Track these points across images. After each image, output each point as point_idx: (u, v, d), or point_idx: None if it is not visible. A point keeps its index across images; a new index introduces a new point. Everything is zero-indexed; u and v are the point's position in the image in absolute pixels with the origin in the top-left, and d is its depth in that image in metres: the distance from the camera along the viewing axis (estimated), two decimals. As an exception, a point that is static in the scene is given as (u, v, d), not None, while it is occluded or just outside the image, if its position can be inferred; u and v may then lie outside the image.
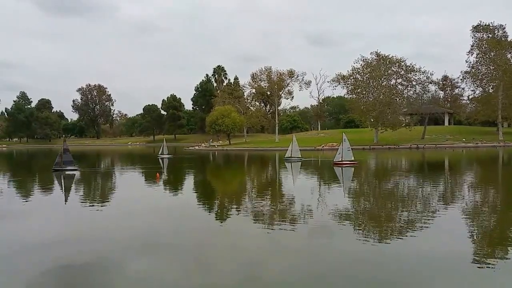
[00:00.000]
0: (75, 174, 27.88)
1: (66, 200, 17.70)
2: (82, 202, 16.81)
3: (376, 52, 68.95)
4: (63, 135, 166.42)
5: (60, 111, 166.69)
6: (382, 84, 69.10)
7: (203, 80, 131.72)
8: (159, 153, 49.44)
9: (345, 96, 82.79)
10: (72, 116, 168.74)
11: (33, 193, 20.56)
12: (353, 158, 31.17)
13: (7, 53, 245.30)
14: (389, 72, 68.82)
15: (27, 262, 8.34)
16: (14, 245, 9.64)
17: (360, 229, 11.07)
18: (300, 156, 38.97)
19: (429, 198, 16.67)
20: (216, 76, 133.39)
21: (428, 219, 11.96)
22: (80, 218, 13.29)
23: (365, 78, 70.05)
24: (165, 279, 7.32)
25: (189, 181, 26.67)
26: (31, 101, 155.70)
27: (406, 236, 10.11)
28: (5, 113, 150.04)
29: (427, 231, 10.49)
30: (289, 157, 38.82)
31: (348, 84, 72.01)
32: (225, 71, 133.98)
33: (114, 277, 7.47)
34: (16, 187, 23.11)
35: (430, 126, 73.82)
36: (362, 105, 70.93)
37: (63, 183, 24.00)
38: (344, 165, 30.43)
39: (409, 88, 70.15)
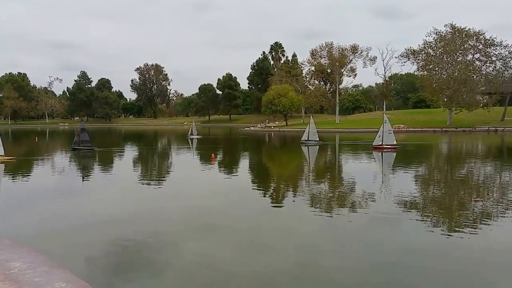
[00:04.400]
0: (91, 153, 30.33)
1: (83, 180, 19.00)
2: (139, 182, 18.06)
3: (451, 24, 64.71)
4: (122, 114, 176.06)
5: (119, 90, 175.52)
6: (458, 59, 64.92)
7: (259, 58, 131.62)
8: (188, 134, 51.71)
9: (415, 73, 79.01)
10: (130, 95, 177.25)
11: (92, 171, 22.25)
12: (395, 142, 30.14)
13: (68, 33, 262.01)
14: (465, 46, 64.37)
15: (86, 238, 9.16)
16: (73, 222, 10.61)
17: (427, 219, 10.82)
18: (318, 139, 38.26)
19: (507, 187, 15.76)
20: (273, 53, 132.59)
21: (506, 211, 11.37)
22: (137, 197, 14.33)
23: (438, 53, 66.16)
24: (220, 261, 7.76)
25: (243, 163, 27.26)
26: (91, 81, 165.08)
27: (480, 228, 9.75)
28: (67, 93, 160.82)
29: (504, 223, 10.03)
30: (305, 140, 38.09)
31: (418, 59, 68.50)
32: (282, 48, 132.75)
33: (169, 256, 8.02)
34: (78, 166, 25.04)
35: (511, 106, 68.56)
36: (434, 82, 67.27)
37: (81, 162, 26.08)
38: (384, 150, 29.46)
39: (488, 64, 65.26)
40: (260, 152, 36.40)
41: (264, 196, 14.62)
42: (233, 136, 64.95)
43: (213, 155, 27.17)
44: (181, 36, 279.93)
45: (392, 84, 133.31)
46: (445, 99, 66.23)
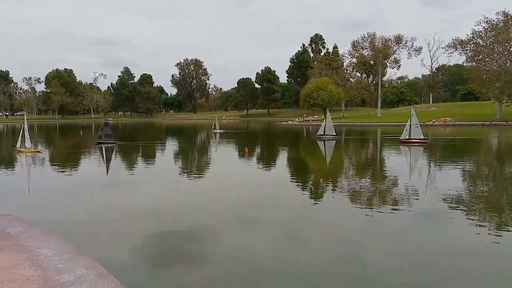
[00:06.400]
0: (114, 146, 31.78)
1: (107, 171, 19.84)
2: (180, 174, 18.61)
3: (504, 12, 61.42)
4: (163, 109, 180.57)
5: (160, 85, 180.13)
6: (510, 49, 61.64)
7: (299, 51, 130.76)
8: (212, 128, 54.40)
9: (464, 64, 75.84)
10: (171, 90, 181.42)
11: (136, 164, 23.12)
12: (422, 136, 29.83)
13: (113, 30, 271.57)
14: (519, 34, 61.06)
15: (130, 227, 9.54)
16: (118, 212, 11.06)
17: (475, 217, 10.40)
18: (334, 133, 37.73)
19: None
20: (313, 45, 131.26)
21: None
22: (178, 189, 14.72)
23: (488, 42, 63.19)
24: (259, 253, 7.86)
25: (276, 157, 27.25)
26: (134, 76, 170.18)
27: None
28: (111, 88, 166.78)
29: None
30: (321, 135, 37.59)
31: (467, 50, 65.79)
32: (323, 40, 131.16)
33: (210, 246, 8.19)
34: (123, 158, 26.06)
35: None
36: (484, 74, 64.36)
37: (105, 155, 27.07)
38: (412, 144, 29.01)
39: (545, 54, 61.60)
40: (279, 146, 36.13)
41: (304, 190, 14.64)
42: (257, 130, 65.37)
43: (246, 149, 27.40)
44: (221, 30, 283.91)
45: (440, 76, 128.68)
46: (496, 91, 63.15)
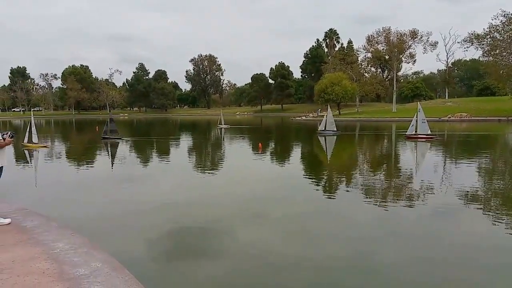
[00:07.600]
0: (119, 142, 31.97)
1: (112, 166, 19.89)
2: (192, 169, 18.68)
3: (523, 4, 60.06)
4: (178, 105, 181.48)
5: (174, 81, 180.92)
6: (529, 43, 60.25)
7: (313, 46, 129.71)
8: (218, 124, 55.37)
9: (480, 59, 74.51)
10: (185, 86, 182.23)
11: (151, 159, 23.28)
12: (429, 132, 29.41)
13: (128, 27, 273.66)
14: (539, 28, 59.58)
15: (142, 221, 9.58)
16: (130, 206, 11.12)
17: (490, 212, 10.21)
18: (335, 129, 37.30)
19: None
20: (327, 40, 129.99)
21: None
22: (191, 183, 14.76)
23: (505, 37, 61.79)
24: (272, 247, 7.82)
25: (289, 152, 27.17)
26: (149, 72, 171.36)
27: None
28: (126, 84, 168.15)
29: None
30: (322, 131, 37.27)
31: (483, 44, 64.50)
32: (337, 34, 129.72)
33: (223, 240, 8.19)
34: (137, 154, 26.26)
35: None
36: (501, 68, 63.09)
37: (110, 150, 27.25)
38: (418, 139, 28.67)
39: None
40: (291, 141, 36.00)
41: (317, 185, 14.56)
42: (271, 125, 65.33)
43: (260, 144, 27.36)
44: (235, 26, 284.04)
45: (455, 71, 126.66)
46: (513, 86, 62.01)
